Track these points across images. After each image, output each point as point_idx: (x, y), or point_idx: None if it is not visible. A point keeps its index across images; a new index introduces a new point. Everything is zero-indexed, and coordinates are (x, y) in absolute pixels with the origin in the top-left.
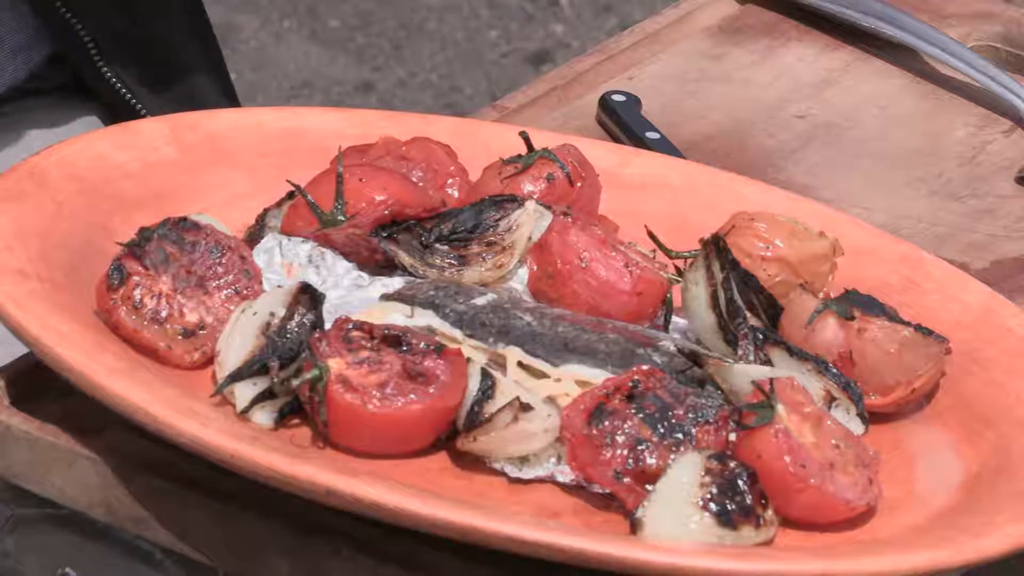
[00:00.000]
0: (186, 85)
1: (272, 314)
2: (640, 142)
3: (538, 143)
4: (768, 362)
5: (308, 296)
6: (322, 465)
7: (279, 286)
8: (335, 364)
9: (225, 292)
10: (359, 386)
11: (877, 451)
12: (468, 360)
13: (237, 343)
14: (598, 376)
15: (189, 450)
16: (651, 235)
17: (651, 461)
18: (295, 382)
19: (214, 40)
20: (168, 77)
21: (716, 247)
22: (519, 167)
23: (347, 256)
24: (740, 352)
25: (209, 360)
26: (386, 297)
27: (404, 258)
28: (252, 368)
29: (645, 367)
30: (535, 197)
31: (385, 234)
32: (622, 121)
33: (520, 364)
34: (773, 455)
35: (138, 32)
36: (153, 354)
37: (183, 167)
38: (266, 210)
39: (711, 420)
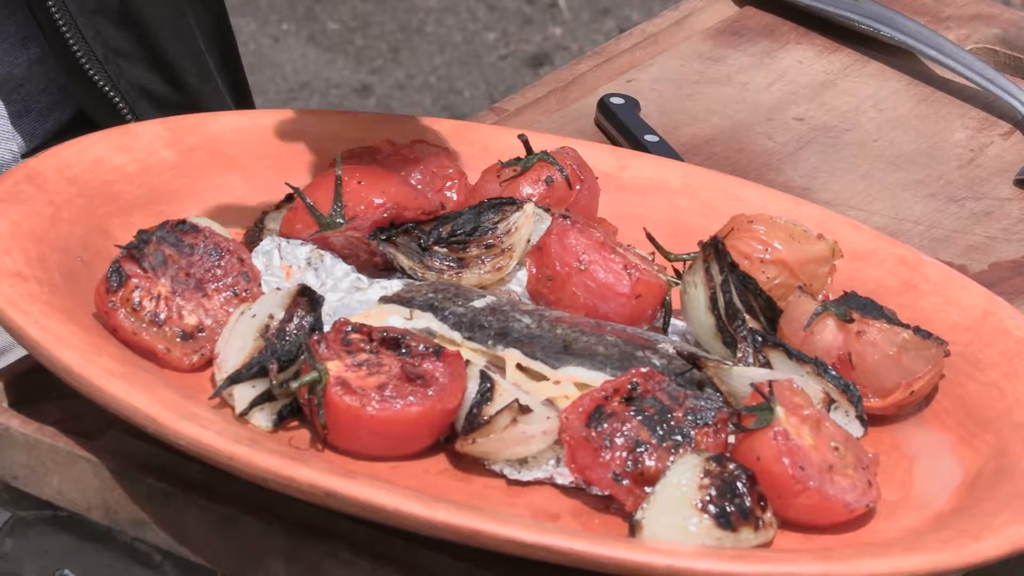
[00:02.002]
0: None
1: (271, 316)
2: (639, 145)
3: (537, 146)
4: (767, 364)
5: (307, 298)
6: (321, 467)
7: (278, 288)
8: (334, 366)
9: (224, 294)
10: (358, 388)
11: (876, 453)
12: (467, 362)
13: (236, 345)
14: (597, 378)
15: (188, 452)
16: (650, 237)
17: (650, 463)
18: (294, 384)
19: (249, 97)
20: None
21: (715, 249)
22: (518, 170)
23: (346, 259)
24: (739, 354)
25: (208, 362)
26: (385, 299)
27: (403, 261)
28: (251, 370)
29: (644, 369)
30: (534, 200)
31: (384, 237)
32: (621, 124)
33: (519, 366)
34: (772, 457)
35: (171, 93)
36: (152, 356)
37: (182, 170)
38: (265, 213)
39: (710, 422)
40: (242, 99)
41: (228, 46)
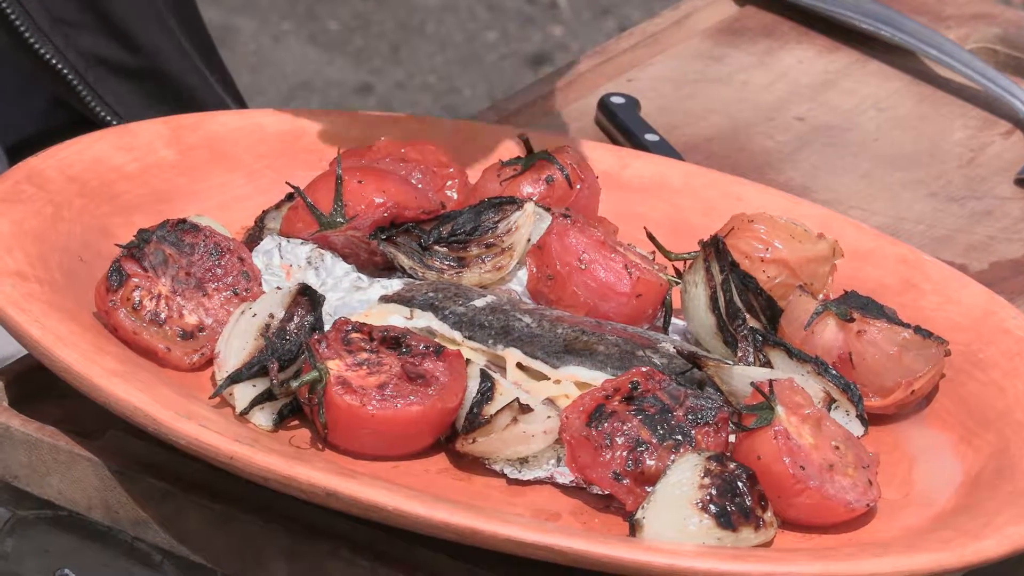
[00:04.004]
0: (189, 104)
1: (271, 316)
2: (639, 144)
3: (537, 145)
4: (768, 364)
5: (307, 298)
6: (321, 467)
7: (278, 288)
8: (334, 366)
9: (224, 294)
10: (358, 388)
11: (876, 452)
12: (467, 362)
13: (236, 345)
14: (597, 378)
15: (188, 452)
16: (650, 237)
17: (650, 462)
18: (294, 384)
19: (215, 54)
20: (171, 100)
21: (715, 249)
22: (518, 169)
23: (346, 258)
24: (739, 354)
25: (208, 362)
26: (385, 299)
27: (403, 260)
28: (251, 370)
29: (644, 369)
30: (534, 199)
31: (384, 236)
32: (621, 123)
33: (519, 366)
34: (772, 456)
35: (128, 57)
36: (152, 356)
37: (182, 169)
38: (265, 212)
39: (710, 421)
40: (208, 58)
41: (189, 4)
